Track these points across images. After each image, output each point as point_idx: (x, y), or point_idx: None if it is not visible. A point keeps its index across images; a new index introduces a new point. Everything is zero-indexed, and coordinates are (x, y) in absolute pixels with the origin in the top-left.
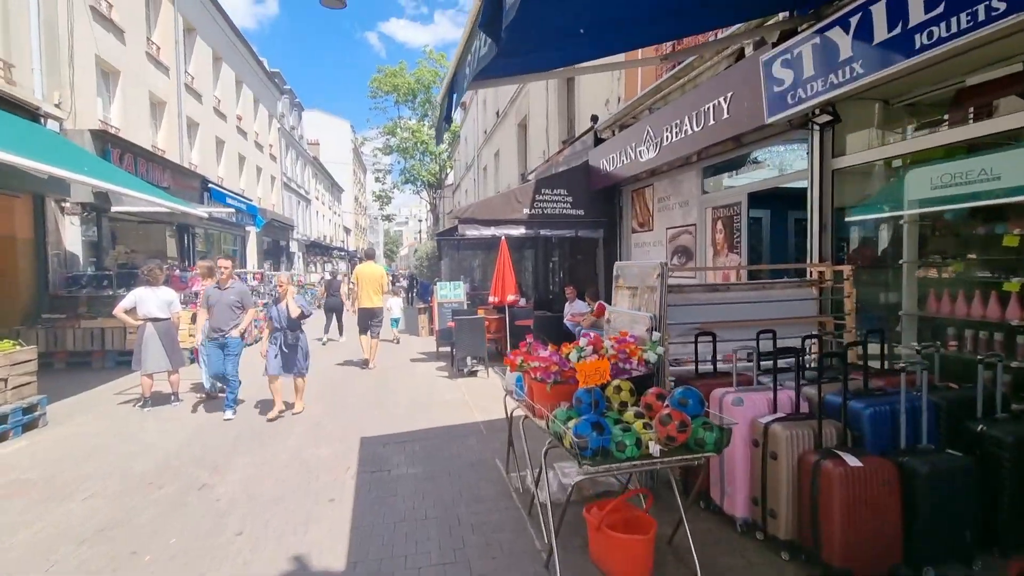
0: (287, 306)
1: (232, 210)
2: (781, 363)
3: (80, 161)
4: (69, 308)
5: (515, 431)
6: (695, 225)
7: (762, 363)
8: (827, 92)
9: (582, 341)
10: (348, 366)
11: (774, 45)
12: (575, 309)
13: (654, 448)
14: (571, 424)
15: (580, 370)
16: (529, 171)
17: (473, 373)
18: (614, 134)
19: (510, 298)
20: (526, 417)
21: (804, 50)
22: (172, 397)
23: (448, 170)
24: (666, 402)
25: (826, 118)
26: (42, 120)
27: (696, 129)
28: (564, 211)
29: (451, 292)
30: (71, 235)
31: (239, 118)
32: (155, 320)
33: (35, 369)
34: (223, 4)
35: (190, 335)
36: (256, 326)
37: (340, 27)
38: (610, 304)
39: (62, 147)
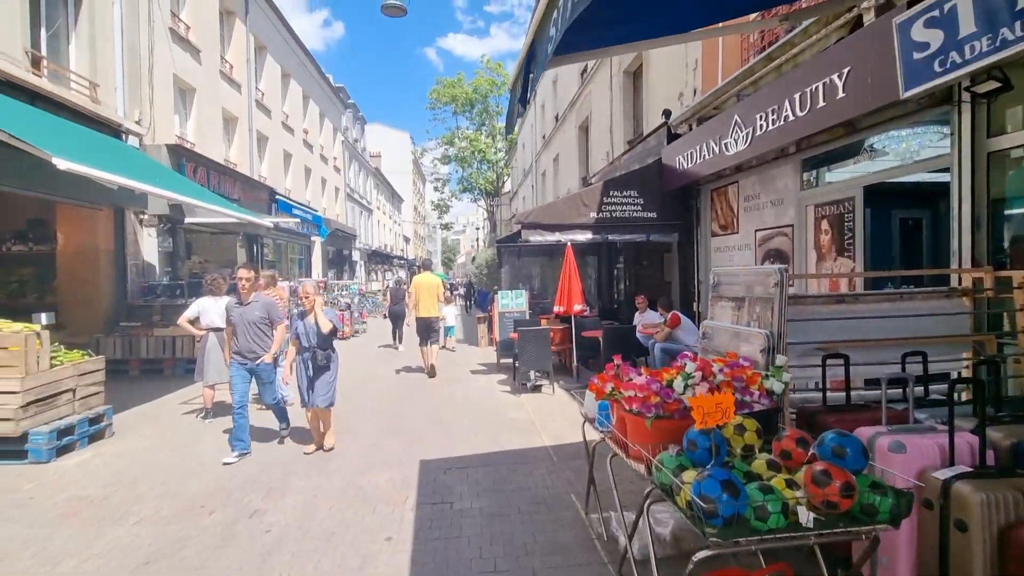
0: (315, 320)
1: (298, 220)
2: (934, 393)
3: (157, 175)
4: (144, 317)
5: (594, 462)
6: (792, 226)
7: (893, 390)
8: (997, 52)
9: (688, 366)
10: (407, 375)
11: (909, 5)
12: (647, 320)
13: (806, 516)
14: (689, 478)
15: (697, 407)
16: (591, 175)
17: (537, 388)
18: (691, 128)
19: (576, 308)
20: (614, 455)
21: (960, 3)
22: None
23: (505, 178)
24: (811, 450)
25: (992, 85)
26: (123, 136)
27: (799, 114)
28: (634, 214)
29: (512, 301)
30: (148, 246)
31: (305, 132)
32: (218, 330)
33: (102, 379)
34: (292, 24)
35: None
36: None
37: (401, 44)
38: (687, 315)
39: (141, 162)
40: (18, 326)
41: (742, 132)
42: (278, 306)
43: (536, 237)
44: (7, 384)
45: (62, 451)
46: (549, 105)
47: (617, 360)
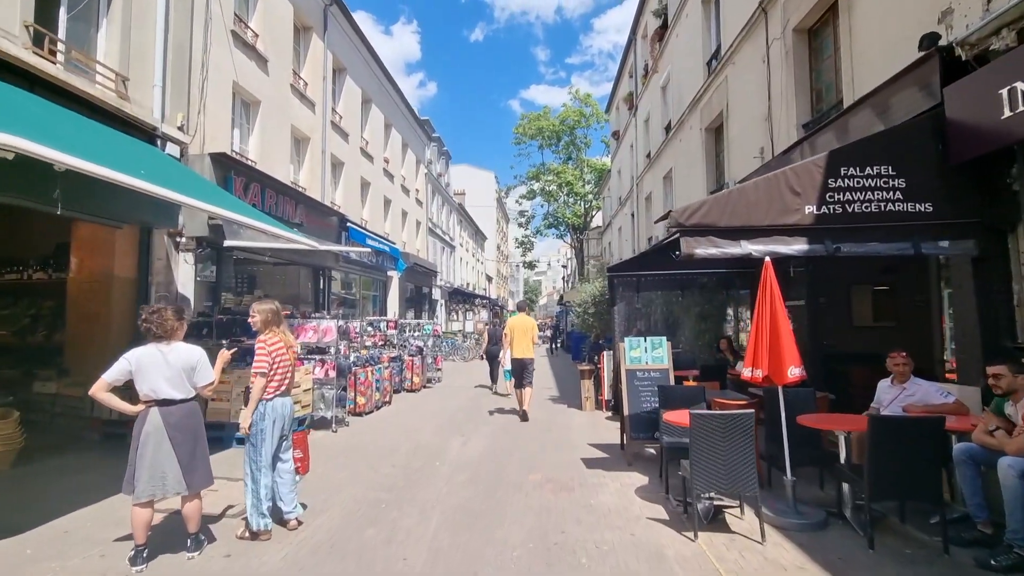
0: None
1: (368, 250)
2: None
3: (189, 186)
4: None
5: None
6: None
7: None
8: None
9: None
10: (492, 460)
11: None
12: (917, 396)
13: None
14: None
15: None
16: (731, 183)
17: (717, 518)
18: (1008, 48)
19: (794, 373)
20: None
21: None
22: (189, 541)
23: (594, 212)
24: None
25: None
26: (159, 143)
27: None
28: (890, 206)
29: (647, 355)
30: (184, 274)
31: (386, 161)
32: (165, 403)
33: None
34: (375, 48)
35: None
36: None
37: (488, 98)
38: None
39: (171, 170)
40: None
41: None
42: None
43: (706, 250)
44: None
45: None
46: (656, 117)
47: None
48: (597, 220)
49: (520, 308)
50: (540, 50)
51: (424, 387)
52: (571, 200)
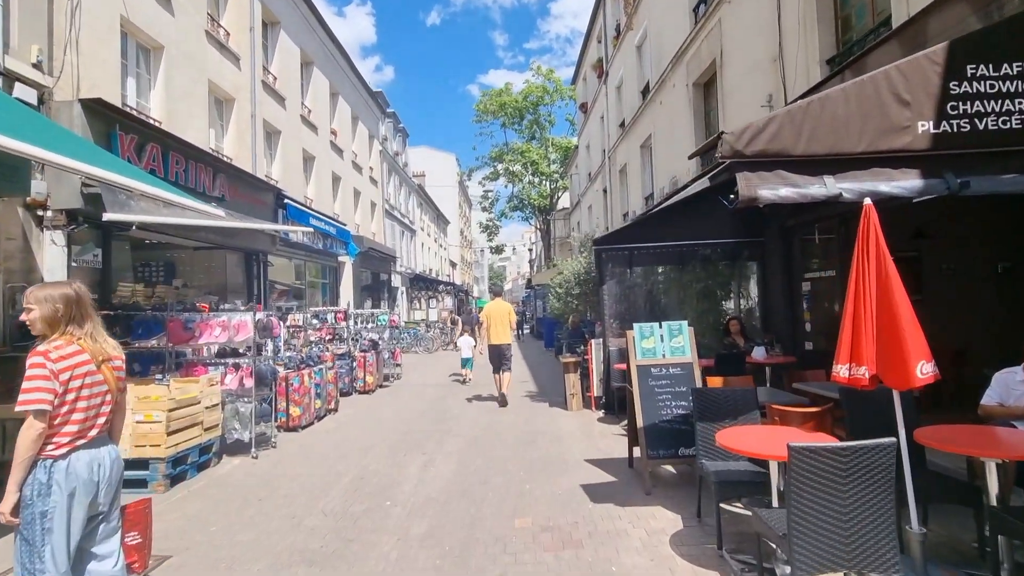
0: None
1: (310, 230)
2: None
3: (48, 138)
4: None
5: None
6: None
7: None
8: None
9: None
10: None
11: None
12: None
13: None
14: None
15: None
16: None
17: None
18: None
19: (925, 371)
20: None
21: None
22: None
23: (560, 192)
24: None
25: None
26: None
27: None
28: None
29: (665, 345)
30: (53, 258)
31: (334, 133)
32: None
33: None
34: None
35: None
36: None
37: (445, 84)
38: None
39: (15, 115)
40: None
41: None
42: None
43: (775, 190)
44: None
45: None
46: (631, 81)
47: None
48: (564, 202)
49: (496, 293)
50: (498, 34)
51: (380, 387)
52: (536, 180)
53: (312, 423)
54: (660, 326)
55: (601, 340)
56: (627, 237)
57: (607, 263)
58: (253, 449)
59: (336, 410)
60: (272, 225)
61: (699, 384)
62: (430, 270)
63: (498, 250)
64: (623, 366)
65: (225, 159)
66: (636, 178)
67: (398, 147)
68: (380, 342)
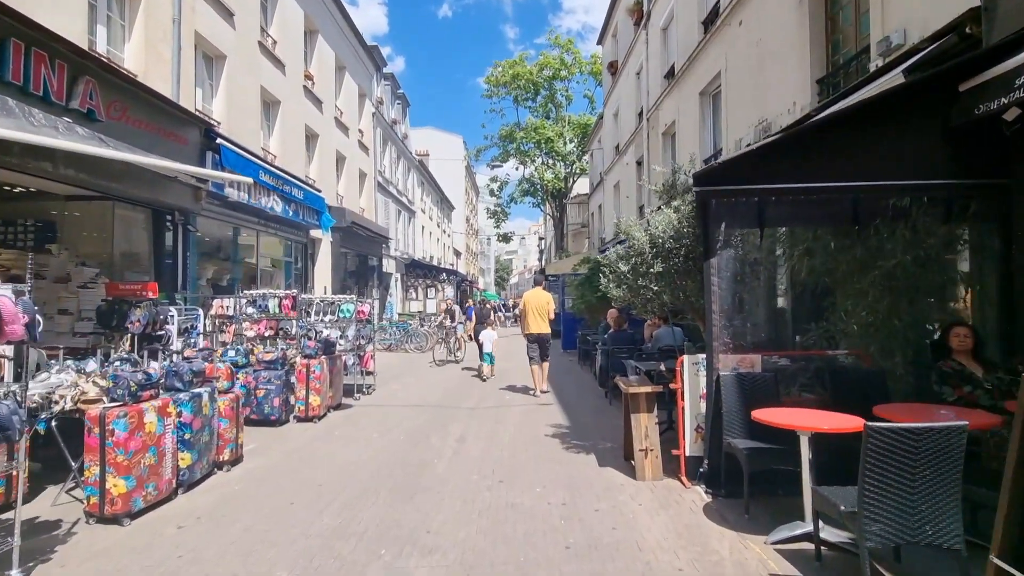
0: None
1: (249, 180)
2: None
3: None
4: None
5: None
6: None
7: None
8: None
9: None
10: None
11: None
12: None
13: None
14: None
15: None
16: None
17: None
18: None
19: None
20: None
21: None
22: None
23: (576, 176)
24: None
25: None
26: None
27: None
28: None
29: None
30: None
31: (310, 79)
32: None
33: None
34: None
35: None
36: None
37: (454, 76)
38: None
39: None
40: None
41: None
42: None
43: None
44: None
45: None
46: (687, 11)
47: None
48: (578, 188)
49: (537, 282)
50: (509, 28)
51: (338, 407)
52: (551, 162)
53: (155, 505)
54: None
55: (704, 359)
56: (752, 173)
57: (718, 218)
58: None
59: (235, 461)
60: (189, 168)
61: None
62: (431, 257)
63: (505, 238)
64: (766, 415)
65: (118, 67)
66: (691, 137)
67: (396, 115)
68: (342, 342)
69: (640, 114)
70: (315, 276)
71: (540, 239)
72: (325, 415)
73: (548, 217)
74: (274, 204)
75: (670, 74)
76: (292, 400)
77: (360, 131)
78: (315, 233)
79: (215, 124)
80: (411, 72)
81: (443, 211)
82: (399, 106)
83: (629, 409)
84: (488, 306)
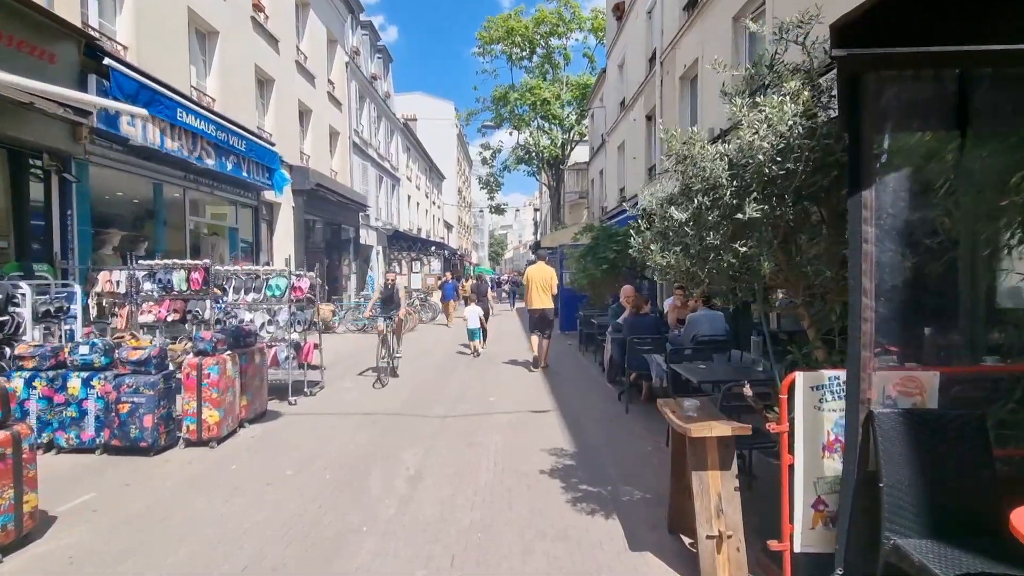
0: None
1: (143, 113)
2: None
3: None
4: None
5: None
6: None
7: None
8: None
9: None
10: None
11: None
12: None
13: None
14: None
15: None
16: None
17: None
18: None
19: None
20: None
21: None
22: None
23: (574, 143)
24: None
25: None
26: None
27: None
28: None
29: None
30: None
31: (258, 8)
32: None
33: None
34: None
35: None
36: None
37: (450, 47)
38: None
39: None
40: None
41: None
42: None
43: None
44: None
45: None
46: None
47: None
48: (576, 156)
49: (539, 257)
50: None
51: (257, 420)
52: (547, 126)
53: None
54: None
55: (834, 380)
56: (949, 24)
57: (880, 113)
58: None
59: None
60: (19, 79)
61: None
62: (419, 229)
63: (499, 210)
64: None
65: None
66: (718, 76)
67: (376, 70)
68: (265, 332)
69: (652, 59)
70: (274, 246)
71: (535, 211)
72: (234, 432)
73: (544, 187)
74: (203, 155)
75: (691, 5)
76: (178, 415)
77: (331, 82)
78: (269, 195)
79: (97, 38)
80: (404, 41)
81: (432, 180)
82: (380, 60)
83: (685, 457)
84: (483, 282)
